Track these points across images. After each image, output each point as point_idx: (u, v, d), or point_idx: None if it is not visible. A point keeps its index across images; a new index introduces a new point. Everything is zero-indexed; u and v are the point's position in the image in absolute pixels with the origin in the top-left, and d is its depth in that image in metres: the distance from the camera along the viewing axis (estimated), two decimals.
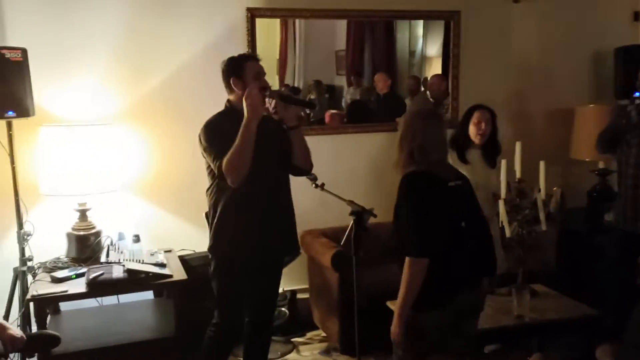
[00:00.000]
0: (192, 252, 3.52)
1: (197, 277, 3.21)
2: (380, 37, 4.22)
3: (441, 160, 2.35)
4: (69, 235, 3.22)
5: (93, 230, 3.24)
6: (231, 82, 2.64)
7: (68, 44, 3.34)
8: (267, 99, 2.63)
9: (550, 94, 4.34)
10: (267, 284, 2.80)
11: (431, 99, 4.27)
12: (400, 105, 4.20)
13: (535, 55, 4.28)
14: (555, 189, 3.16)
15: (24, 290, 3.06)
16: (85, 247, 3.19)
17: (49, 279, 2.97)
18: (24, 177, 3.19)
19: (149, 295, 3.49)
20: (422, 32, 4.28)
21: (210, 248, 2.74)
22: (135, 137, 3.52)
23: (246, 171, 2.49)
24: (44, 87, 3.25)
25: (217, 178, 2.60)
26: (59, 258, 3.22)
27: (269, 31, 3.77)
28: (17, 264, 3.12)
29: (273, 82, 3.63)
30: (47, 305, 2.90)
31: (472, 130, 3.37)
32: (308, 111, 3.94)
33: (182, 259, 3.36)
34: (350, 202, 2.70)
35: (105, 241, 3.27)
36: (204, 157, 2.67)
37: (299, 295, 3.86)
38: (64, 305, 3.30)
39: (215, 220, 2.67)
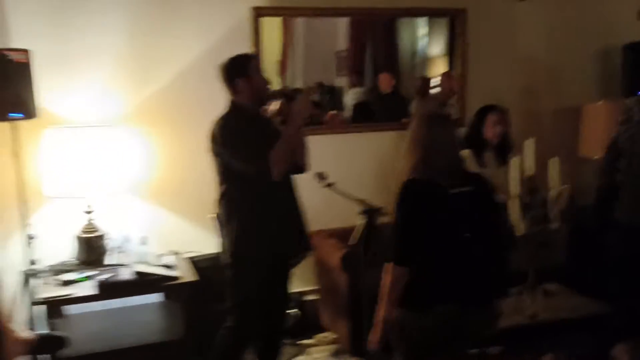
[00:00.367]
0: (198, 254, 3.49)
1: (204, 279, 3.18)
2: (381, 37, 4.20)
3: (449, 165, 2.25)
4: (76, 238, 3.19)
5: (99, 233, 3.22)
6: (237, 82, 2.60)
7: (72, 46, 3.31)
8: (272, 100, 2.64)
9: (558, 91, 4.31)
10: (285, 285, 2.78)
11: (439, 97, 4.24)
12: (404, 106, 4.18)
13: (542, 53, 4.26)
14: (564, 186, 3.13)
15: (31, 293, 3.03)
16: (92, 249, 3.17)
17: (57, 282, 2.94)
18: (29, 180, 3.17)
19: (155, 298, 3.46)
20: (424, 32, 4.24)
21: (234, 253, 2.68)
22: (140, 138, 3.48)
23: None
24: (48, 88, 3.23)
25: (239, 181, 2.56)
26: (65, 261, 3.19)
27: (268, 32, 3.74)
28: (22, 267, 3.10)
29: (274, 83, 3.60)
30: (56, 308, 2.87)
31: (488, 132, 3.34)
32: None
33: (190, 261, 3.33)
34: (360, 201, 2.67)
35: (111, 244, 3.24)
36: (219, 160, 2.62)
37: (307, 297, 3.82)
38: (70, 309, 3.27)
39: (238, 225, 2.63)
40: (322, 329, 3.76)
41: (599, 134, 4.00)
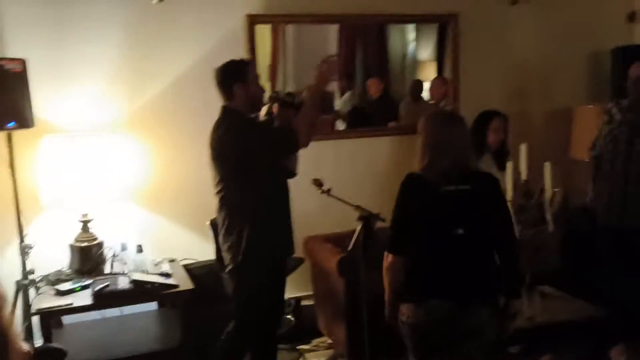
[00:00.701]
0: (195, 261, 3.49)
1: (201, 286, 3.17)
2: (371, 42, 4.22)
3: (455, 162, 2.25)
4: (71, 247, 3.18)
5: (95, 242, 3.20)
6: (235, 87, 2.60)
7: (68, 54, 3.30)
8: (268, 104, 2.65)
9: (549, 94, 4.35)
10: (282, 290, 2.80)
11: (431, 102, 4.27)
12: (393, 110, 4.20)
13: (532, 57, 4.30)
14: (557, 189, 3.16)
15: (27, 303, 3.01)
16: (88, 258, 3.15)
17: (53, 292, 2.93)
18: (25, 189, 3.14)
19: (151, 306, 3.45)
20: (413, 36, 4.27)
21: (235, 258, 2.66)
22: (136, 146, 3.48)
23: None
24: (44, 97, 3.21)
25: (240, 186, 2.58)
26: (61, 270, 3.17)
27: (259, 38, 3.75)
28: (18, 277, 3.07)
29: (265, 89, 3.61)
30: (52, 318, 2.85)
31: (491, 137, 3.36)
32: None
33: (186, 268, 3.33)
34: (358, 207, 2.68)
35: (108, 252, 3.23)
36: (220, 166, 2.61)
37: (303, 302, 3.83)
38: (66, 319, 3.25)
39: (240, 230, 2.62)
40: (318, 334, 3.76)
41: (589, 137, 4.05)
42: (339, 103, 4.20)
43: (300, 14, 3.74)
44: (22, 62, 2.92)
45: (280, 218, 2.71)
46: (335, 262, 3.34)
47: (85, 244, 3.17)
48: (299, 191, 2.85)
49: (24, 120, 2.92)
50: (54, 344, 2.67)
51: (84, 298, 2.86)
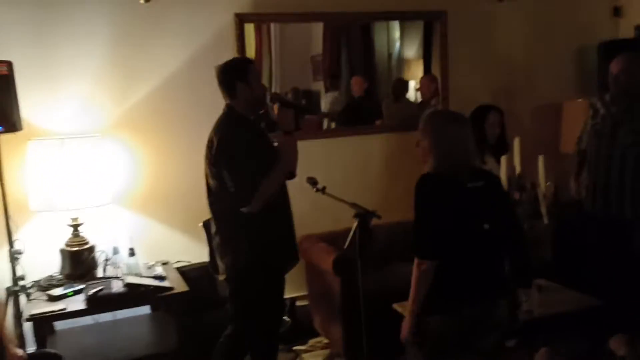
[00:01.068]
0: (188, 263, 3.46)
1: (196, 288, 3.14)
2: (357, 41, 4.20)
3: (464, 161, 2.27)
4: (62, 251, 3.13)
5: (86, 246, 3.16)
6: (237, 86, 2.57)
7: (55, 57, 3.26)
8: (269, 103, 2.61)
9: (537, 90, 4.39)
10: (281, 292, 2.77)
11: (420, 100, 4.28)
12: (377, 108, 4.20)
13: (521, 53, 4.33)
14: (547, 183, 3.18)
15: (18, 310, 2.95)
16: (80, 263, 3.11)
17: (45, 298, 2.88)
18: (13, 194, 3.10)
19: (144, 310, 3.41)
20: (398, 35, 4.27)
21: (233, 261, 2.62)
22: (125, 148, 3.44)
23: None
24: (32, 100, 3.17)
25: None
26: (52, 276, 3.12)
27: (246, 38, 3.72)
28: (8, 283, 3.02)
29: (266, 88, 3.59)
30: (46, 324, 2.80)
31: (489, 132, 3.40)
32: None
33: (180, 271, 3.29)
34: (354, 205, 2.67)
35: (99, 256, 3.18)
36: (215, 173, 2.57)
37: (298, 303, 3.81)
38: (58, 325, 3.20)
39: (237, 233, 2.58)
40: (314, 334, 3.74)
41: (578, 130, 4.09)
42: (324, 103, 4.18)
43: (289, 13, 3.72)
44: (9, 64, 2.87)
45: (280, 223, 2.65)
46: (330, 261, 3.32)
47: (76, 248, 3.12)
48: (292, 191, 2.82)
49: (11, 123, 2.87)
50: (50, 349, 2.62)
51: (78, 303, 2.82)
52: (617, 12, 4.46)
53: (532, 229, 2.92)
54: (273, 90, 3.97)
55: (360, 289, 2.70)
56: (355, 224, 2.65)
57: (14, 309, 2.99)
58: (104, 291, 2.79)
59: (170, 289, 2.91)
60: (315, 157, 3.64)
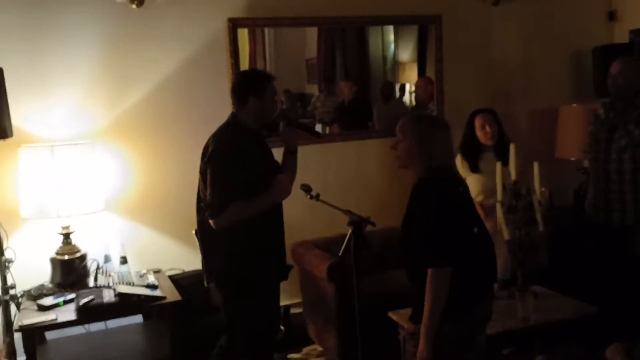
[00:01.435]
0: (181, 271, 3.42)
1: (189, 297, 3.10)
2: (351, 44, 4.19)
3: (452, 166, 2.31)
4: (52, 260, 3.09)
5: (78, 254, 3.12)
6: (249, 100, 2.53)
7: (45, 62, 3.22)
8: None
9: (533, 94, 4.38)
10: (277, 301, 2.74)
11: (414, 103, 4.26)
12: (366, 113, 4.17)
13: (516, 57, 4.32)
14: (542, 189, 3.16)
15: (8, 320, 2.91)
16: (71, 272, 3.07)
17: (35, 307, 2.83)
18: (4, 201, 3.08)
19: (136, 318, 3.37)
20: (392, 38, 4.26)
21: (226, 271, 2.58)
22: (117, 154, 3.41)
23: None
24: (22, 107, 3.14)
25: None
26: (43, 285, 3.08)
27: (239, 42, 3.70)
28: None
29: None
30: (36, 334, 2.76)
31: (480, 136, 3.44)
32: None
33: (172, 279, 3.26)
34: (348, 212, 2.64)
35: (91, 265, 3.15)
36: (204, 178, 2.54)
37: (292, 310, 3.77)
38: (49, 334, 3.16)
39: (231, 242, 2.53)
40: (309, 342, 3.71)
41: (573, 136, 4.08)
42: (318, 107, 4.16)
43: (282, 17, 3.70)
44: None
45: (266, 232, 2.60)
46: (325, 268, 3.30)
47: (67, 256, 3.08)
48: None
49: (2, 130, 2.83)
50: None
51: (68, 313, 2.78)
52: (612, 16, 4.45)
53: (528, 235, 2.89)
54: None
55: (355, 296, 2.67)
56: (349, 231, 2.63)
57: (3, 319, 2.94)
58: (95, 301, 2.75)
59: (162, 298, 2.87)
60: (310, 162, 3.61)
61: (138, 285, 2.97)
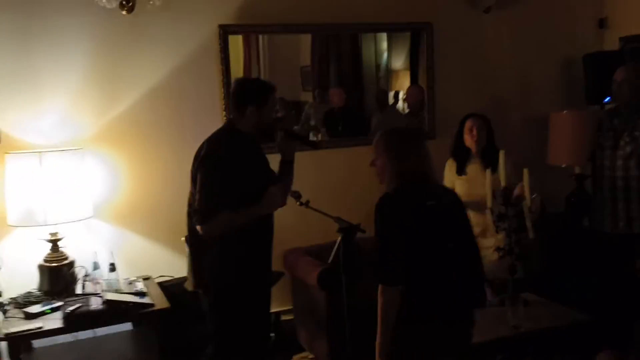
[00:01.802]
0: (171, 277, 3.39)
1: (179, 304, 3.08)
2: (345, 52, 4.19)
3: (423, 179, 2.22)
4: (40, 267, 3.06)
5: (66, 261, 3.09)
6: (248, 109, 2.51)
7: (34, 68, 3.20)
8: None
9: (525, 101, 4.38)
10: (267, 309, 2.72)
11: (407, 110, 4.26)
12: (358, 119, 4.18)
13: (507, 64, 4.32)
14: (534, 196, 3.15)
15: None
16: (59, 279, 3.04)
17: (22, 315, 2.80)
18: None
19: (126, 326, 3.33)
20: (386, 46, 4.27)
21: (214, 279, 2.56)
22: (107, 160, 3.38)
23: None
24: (9, 113, 3.12)
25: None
26: (30, 292, 3.05)
27: (231, 48, 3.69)
28: None
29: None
30: (21, 343, 2.73)
31: (466, 139, 3.45)
32: None
33: (162, 286, 3.23)
34: (337, 219, 2.63)
35: (79, 272, 3.12)
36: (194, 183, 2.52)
37: (283, 317, 3.75)
38: (37, 342, 3.12)
39: (219, 249, 2.52)
40: (300, 349, 3.69)
41: (565, 143, 4.08)
42: (311, 114, 4.15)
43: (273, 24, 3.69)
44: None
45: (256, 240, 2.58)
46: (315, 275, 3.29)
47: (55, 264, 3.05)
48: None
49: None
50: None
51: (55, 321, 2.75)
52: (602, 24, 4.47)
53: (518, 242, 2.88)
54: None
55: (344, 304, 2.66)
56: (339, 238, 2.61)
57: None
58: (82, 309, 2.72)
59: (151, 305, 2.85)
60: (303, 169, 3.59)
61: (126, 293, 2.95)
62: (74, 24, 3.26)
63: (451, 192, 2.37)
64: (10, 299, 2.98)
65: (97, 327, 2.99)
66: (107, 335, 3.25)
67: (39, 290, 3.05)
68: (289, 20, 3.71)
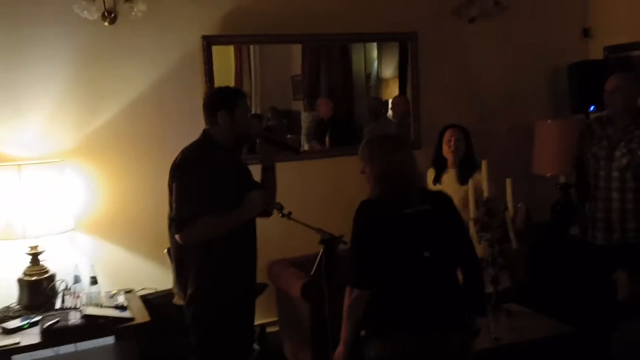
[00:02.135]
0: (153, 290, 3.36)
1: (161, 316, 3.04)
2: (335, 61, 4.19)
3: (406, 186, 2.22)
4: (20, 281, 3.02)
5: (46, 275, 3.05)
6: (219, 115, 2.50)
7: (14, 80, 3.17)
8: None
9: (510, 111, 4.38)
10: (250, 320, 2.69)
11: (394, 120, 4.26)
12: (346, 128, 4.17)
13: (492, 74, 4.32)
14: (519, 205, 3.14)
15: None
16: (38, 293, 3.00)
17: (0, 330, 2.76)
18: None
19: (108, 340, 3.29)
20: (376, 55, 4.27)
21: (195, 290, 2.52)
22: (88, 172, 3.35)
23: None
24: None
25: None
26: (9, 307, 3.01)
27: (222, 58, 3.69)
28: None
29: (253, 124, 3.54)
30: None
31: (444, 149, 3.48)
32: None
33: (145, 299, 3.20)
34: (319, 230, 2.61)
35: (59, 286, 3.08)
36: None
37: (268, 329, 3.72)
38: (16, 357, 3.07)
39: (199, 261, 2.48)
40: None
41: (550, 152, 4.09)
42: (303, 123, 4.15)
43: (258, 35, 3.69)
44: None
45: (237, 250, 2.54)
46: (299, 286, 3.26)
47: (35, 277, 3.01)
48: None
49: None
50: None
51: (33, 336, 2.71)
52: (586, 33, 4.49)
53: (502, 253, 2.87)
54: (254, 111, 3.94)
55: (327, 316, 2.64)
56: (321, 250, 2.60)
57: None
58: (60, 323, 2.69)
59: (130, 319, 2.82)
60: (289, 180, 3.58)
61: (107, 307, 2.91)
62: (55, 35, 3.24)
63: (441, 198, 2.32)
64: None
65: (76, 341, 2.95)
66: (88, 350, 3.20)
67: (19, 305, 3.01)
68: (276, 31, 3.70)
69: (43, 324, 2.70)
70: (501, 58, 4.33)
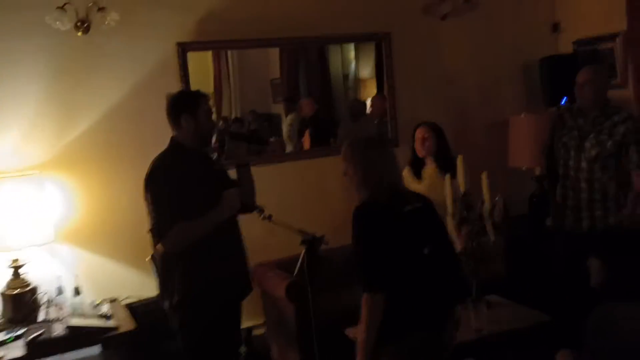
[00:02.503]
0: (139, 298, 3.36)
1: (147, 324, 3.05)
2: (313, 63, 4.23)
3: (393, 185, 2.27)
4: (2, 295, 3.01)
5: (28, 288, 3.04)
6: (182, 118, 2.52)
7: None
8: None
9: (485, 106, 4.45)
10: (237, 324, 2.70)
11: (373, 119, 4.30)
12: (328, 129, 4.21)
13: (466, 70, 4.39)
14: (497, 198, 3.20)
15: None
16: (21, 306, 2.99)
17: None
18: None
19: (94, 349, 3.28)
20: (354, 55, 4.31)
21: (180, 296, 2.54)
22: (67, 183, 3.34)
23: None
24: None
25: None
26: None
27: (201, 64, 3.71)
28: None
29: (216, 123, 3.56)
30: None
31: (417, 147, 3.51)
32: None
33: (130, 307, 3.21)
34: (300, 231, 2.64)
35: (42, 298, 3.07)
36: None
37: (255, 332, 3.74)
38: None
39: (183, 266, 2.50)
40: None
41: (524, 145, 4.17)
42: (284, 125, 4.18)
43: (233, 40, 3.70)
44: None
45: (219, 255, 2.56)
46: (283, 287, 3.29)
47: (18, 290, 3.00)
48: (247, 216, 2.78)
49: None
50: None
51: (17, 349, 2.70)
52: (555, 28, 4.57)
53: (479, 246, 2.93)
54: (234, 115, 3.95)
55: (312, 316, 2.66)
56: (303, 251, 2.62)
57: None
58: (44, 335, 2.68)
59: (114, 329, 2.82)
60: (270, 181, 3.60)
61: (91, 316, 2.91)
62: (27, 47, 3.22)
63: (422, 197, 2.38)
64: None
65: (60, 353, 2.94)
66: None
67: (2, 319, 3.00)
68: (252, 35, 3.71)
69: (27, 337, 2.69)
70: (474, 54, 4.39)
